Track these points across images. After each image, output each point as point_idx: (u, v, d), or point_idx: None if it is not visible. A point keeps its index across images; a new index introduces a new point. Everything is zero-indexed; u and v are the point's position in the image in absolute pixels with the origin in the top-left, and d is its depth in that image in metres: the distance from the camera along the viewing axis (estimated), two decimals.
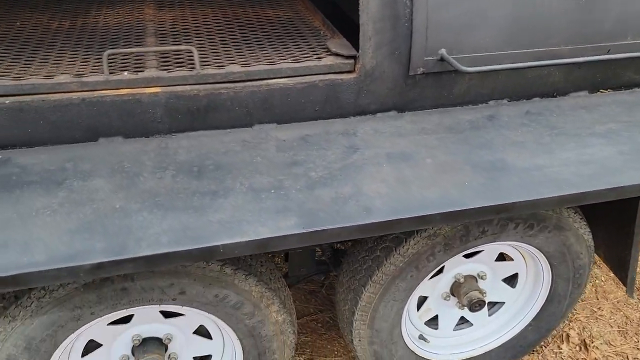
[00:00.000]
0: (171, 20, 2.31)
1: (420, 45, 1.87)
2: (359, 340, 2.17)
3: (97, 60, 1.85)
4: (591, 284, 3.06)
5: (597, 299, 2.96)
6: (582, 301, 2.94)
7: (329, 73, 1.88)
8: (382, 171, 1.70)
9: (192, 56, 1.78)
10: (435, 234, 1.91)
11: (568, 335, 2.73)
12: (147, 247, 1.37)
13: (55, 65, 1.81)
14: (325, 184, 1.63)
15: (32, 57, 1.88)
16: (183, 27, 2.24)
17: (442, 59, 1.91)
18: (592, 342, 2.69)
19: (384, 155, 1.78)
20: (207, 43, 2.06)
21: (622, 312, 2.88)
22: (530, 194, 1.60)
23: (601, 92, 2.21)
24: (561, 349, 2.67)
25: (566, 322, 2.81)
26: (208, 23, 2.30)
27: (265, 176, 1.66)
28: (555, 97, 2.17)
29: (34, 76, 1.69)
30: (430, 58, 1.91)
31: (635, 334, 2.76)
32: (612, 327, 2.79)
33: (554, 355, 2.64)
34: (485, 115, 2.03)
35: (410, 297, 2.10)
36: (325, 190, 1.60)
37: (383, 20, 1.82)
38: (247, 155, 1.75)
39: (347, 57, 1.90)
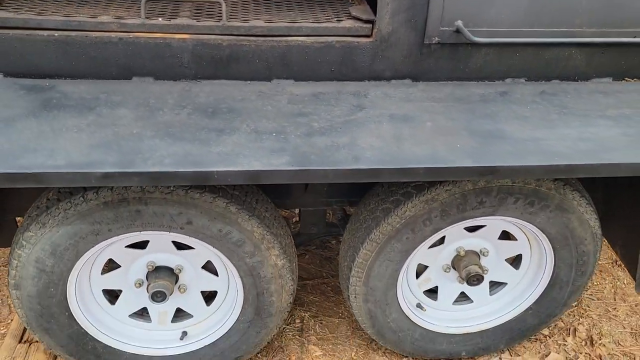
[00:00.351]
0: None
1: (436, 14, 1.93)
2: (355, 297, 2.27)
3: (140, 8, 2.04)
4: (611, 284, 2.98)
5: (615, 300, 2.88)
6: (598, 299, 2.88)
7: (346, 35, 1.98)
8: (380, 128, 1.79)
9: (221, 9, 1.94)
10: (433, 199, 1.98)
11: (575, 329, 2.69)
12: (151, 165, 1.55)
13: (103, 8, 2.03)
14: (324, 133, 1.75)
15: (84, 0, 2.11)
16: None
17: (457, 31, 1.96)
18: (600, 340, 2.65)
19: (387, 115, 1.87)
20: (240, 0, 2.22)
21: (638, 316, 2.80)
22: (517, 161, 1.64)
23: (627, 80, 2.18)
24: (566, 341, 2.64)
25: (575, 317, 2.77)
26: None
27: (270, 122, 1.79)
28: (577, 81, 2.16)
29: (81, 15, 1.92)
30: (447, 28, 1.96)
31: None
32: (624, 328, 2.72)
33: (557, 347, 2.62)
34: (498, 91, 2.07)
35: (407, 261, 2.17)
36: (323, 138, 1.72)
37: None
38: (260, 103, 1.89)
39: (365, 22, 2.00)
